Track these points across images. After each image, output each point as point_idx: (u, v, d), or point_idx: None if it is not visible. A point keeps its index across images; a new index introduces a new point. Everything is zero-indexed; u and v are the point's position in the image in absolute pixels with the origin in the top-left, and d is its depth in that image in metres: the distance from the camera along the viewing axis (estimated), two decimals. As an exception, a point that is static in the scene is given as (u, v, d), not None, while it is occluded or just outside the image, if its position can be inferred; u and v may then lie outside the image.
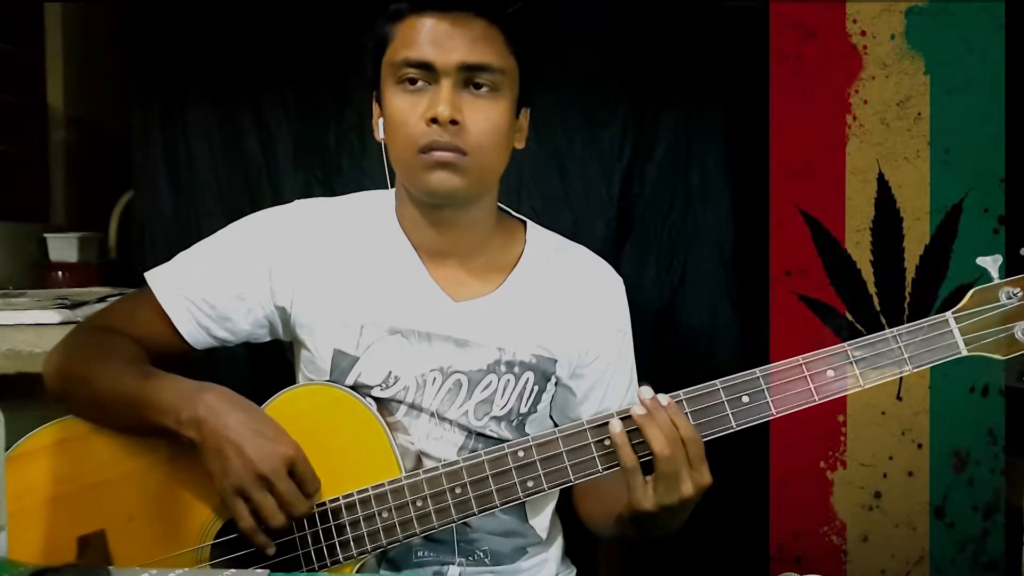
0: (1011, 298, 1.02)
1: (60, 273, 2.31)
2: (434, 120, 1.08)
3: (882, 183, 2.01)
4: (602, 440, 1.05)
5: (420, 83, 1.10)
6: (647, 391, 1.03)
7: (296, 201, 1.25)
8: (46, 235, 2.35)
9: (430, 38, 1.09)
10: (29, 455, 1.10)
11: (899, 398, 2.01)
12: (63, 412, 1.14)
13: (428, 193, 1.13)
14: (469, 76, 1.10)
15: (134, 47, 2.14)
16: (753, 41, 2.03)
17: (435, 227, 1.18)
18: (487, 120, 1.11)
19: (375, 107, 1.20)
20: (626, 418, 1.03)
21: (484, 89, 1.11)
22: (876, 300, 2.02)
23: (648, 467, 1.02)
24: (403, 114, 1.10)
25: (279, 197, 2.09)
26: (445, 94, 1.08)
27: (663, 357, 2.12)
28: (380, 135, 1.17)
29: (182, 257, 1.21)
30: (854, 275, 2.02)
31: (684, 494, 1.01)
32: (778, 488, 2.01)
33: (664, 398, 1.03)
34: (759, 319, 2.05)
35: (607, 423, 1.04)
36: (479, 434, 1.19)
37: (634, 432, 1.02)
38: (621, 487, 1.12)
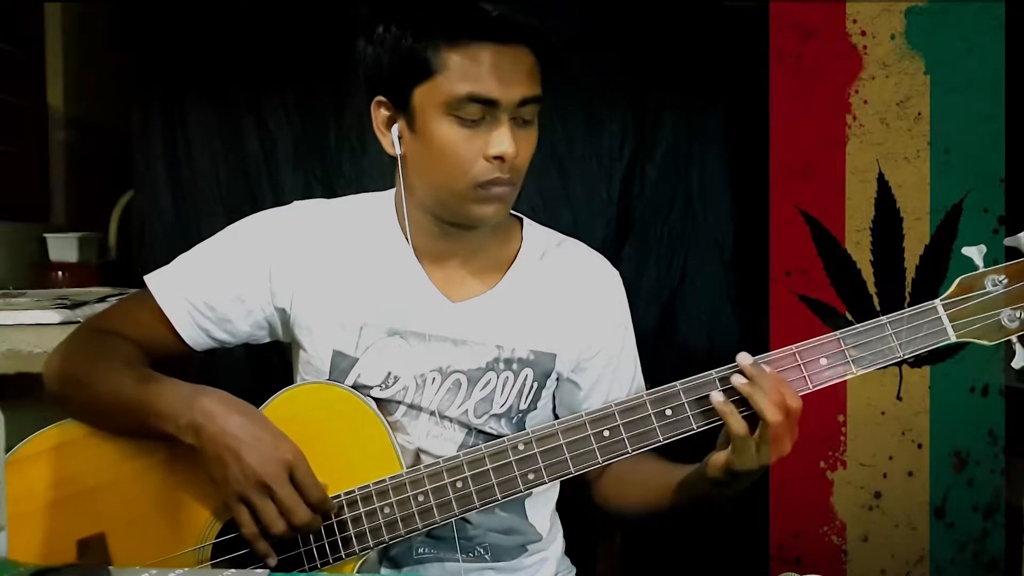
0: (996, 285, 1.05)
1: (60, 273, 2.31)
2: (497, 157, 1.07)
3: (882, 183, 2.01)
4: (601, 432, 1.06)
5: (479, 117, 1.07)
6: (747, 356, 1.03)
7: (295, 203, 1.24)
8: (46, 235, 2.35)
9: (494, 73, 1.05)
10: (29, 459, 1.10)
11: (899, 398, 2.01)
12: (63, 413, 1.14)
13: (474, 221, 1.13)
14: (520, 111, 1.08)
15: (134, 47, 2.15)
16: (753, 41, 2.04)
17: (444, 236, 1.18)
18: (529, 149, 1.11)
19: (379, 113, 1.14)
20: (728, 388, 1.04)
21: (527, 120, 1.10)
22: (876, 300, 2.02)
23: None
24: (460, 148, 1.07)
25: (279, 197, 2.09)
26: (508, 131, 1.07)
27: (663, 357, 2.13)
28: (398, 150, 1.13)
29: (182, 259, 1.21)
30: (854, 275, 2.02)
31: (785, 452, 1.03)
32: (778, 488, 2.01)
33: (767, 367, 1.04)
34: (759, 319, 2.05)
35: (607, 415, 1.06)
36: (479, 431, 1.19)
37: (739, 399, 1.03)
38: (656, 461, 1.18)
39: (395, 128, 1.12)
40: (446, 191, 1.11)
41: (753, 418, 1.02)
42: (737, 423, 1.01)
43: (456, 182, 1.09)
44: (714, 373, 1.06)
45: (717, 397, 1.02)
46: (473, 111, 1.06)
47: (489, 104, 1.06)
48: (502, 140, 1.06)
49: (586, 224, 2.12)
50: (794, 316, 2.02)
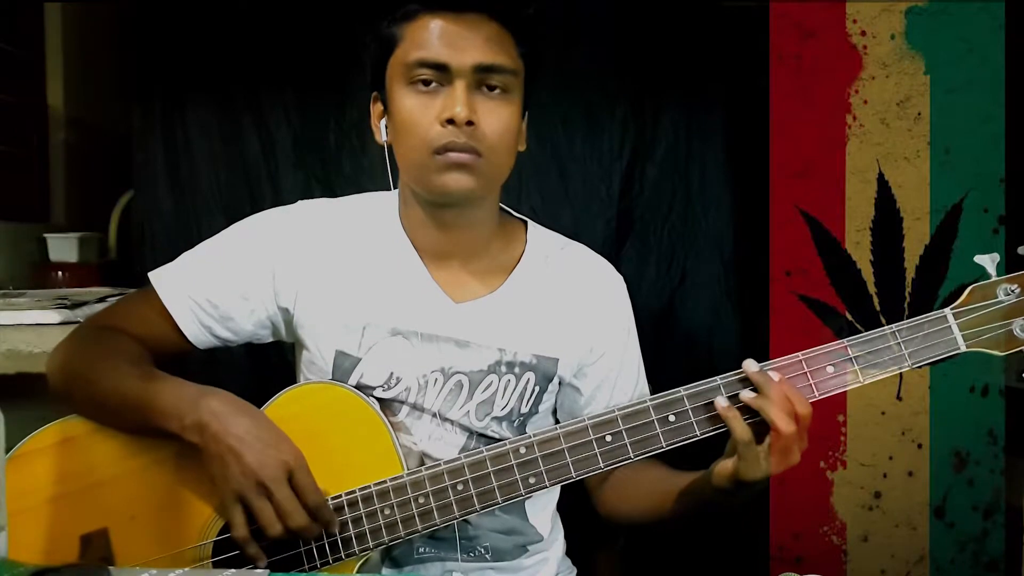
0: (1009, 294, 1.03)
1: (60, 273, 2.31)
2: (450, 121, 1.07)
3: (882, 183, 2.01)
4: (603, 436, 1.06)
5: (433, 84, 1.09)
6: (754, 364, 1.02)
7: (299, 202, 1.25)
8: (46, 235, 2.35)
9: (444, 39, 1.08)
10: (32, 454, 1.10)
11: (899, 398, 2.01)
12: (64, 412, 1.14)
13: (442, 194, 1.13)
14: (482, 78, 1.09)
15: (134, 47, 2.14)
16: (753, 41, 2.04)
17: (439, 229, 1.18)
18: (500, 121, 1.11)
19: (375, 108, 1.19)
20: (732, 395, 1.03)
21: (496, 91, 1.11)
22: (876, 300, 2.02)
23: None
24: (416, 115, 1.09)
25: (279, 197, 2.09)
26: (460, 95, 1.07)
27: (663, 357, 2.12)
28: (383, 138, 1.17)
29: (185, 257, 1.21)
30: (854, 275, 2.02)
31: (794, 462, 1.02)
32: (778, 488, 2.01)
33: (775, 373, 1.03)
34: (759, 319, 2.05)
35: (610, 419, 1.06)
36: (480, 435, 1.19)
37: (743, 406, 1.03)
38: (660, 468, 1.18)
39: (384, 119, 1.17)
40: (413, 164, 1.13)
41: (760, 426, 1.02)
42: (741, 429, 1.01)
43: (417, 151, 1.10)
44: (719, 379, 1.05)
45: (721, 402, 1.02)
46: (424, 74, 1.09)
47: (440, 69, 1.08)
48: (453, 103, 1.07)
49: (586, 224, 2.11)
50: (794, 316, 2.02)
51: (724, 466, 1.05)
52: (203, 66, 2.11)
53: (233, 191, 2.12)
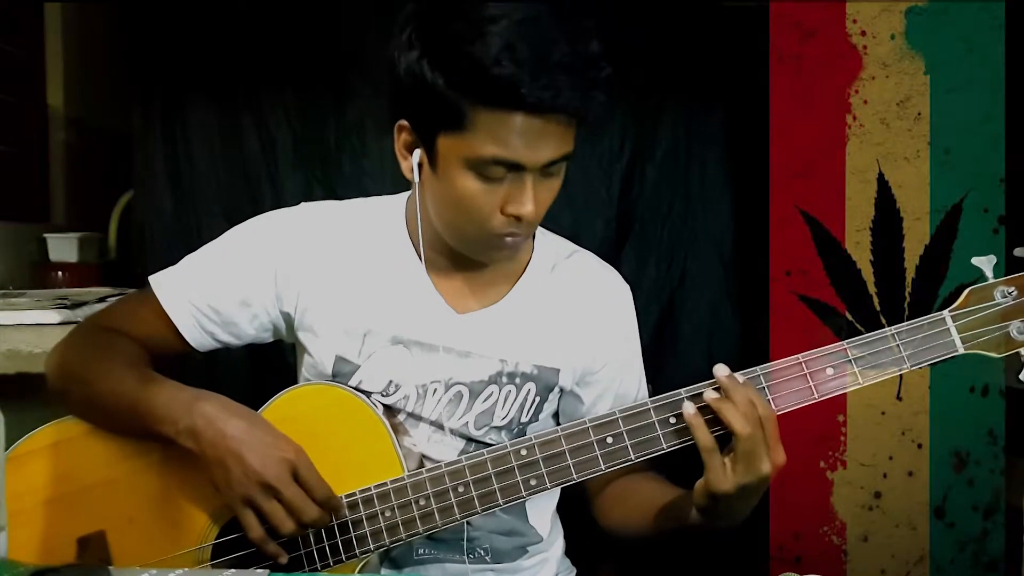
0: (1006, 297, 1.04)
1: (60, 273, 2.31)
2: (517, 217, 1.04)
3: (882, 183, 2.01)
4: (604, 438, 1.05)
5: (503, 176, 1.03)
6: (723, 368, 1.01)
7: (302, 204, 1.23)
8: (46, 235, 2.35)
9: (524, 138, 1.00)
10: (29, 455, 1.10)
11: (899, 398, 2.01)
12: (63, 412, 1.14)
13: (487, 261, 1.16)
14: (547, 168, 1.04)
15: (134, 47, 2.15)
16: (753, 41, 2.03)
17: (455, 252, 1.16)
18: (550, 197, 1.08)
19: (401, 137, 1.10)
20: (697, 395, 1.02)
21: (553, 173, 1.07)
22: (876, 300, 2.02)
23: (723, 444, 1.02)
24: (479, 202, 1.04)
25: (279, 197, 2.09)
26: (530, 192, 1.03)
27: (663, 357, 2.13)
28: (416, 177, 1.09)
29: (187, 262, 1.20)
30: (854, 275, 2.02)
31: (763, 472, 0.99)
32: (778, 488, 2.01)
33: (740, 376, 1.02)
34: (759, 319, 2.05)
35: (610, 421, 1.05)
36: (479, 442, 1.18)
37: (707, 410, 1.01)
38: (658, 483, 1.17)
39: (416, 154, 1.08)
40: (459, 233, 1.11)
41: (729, 437, 1.00)
42: (704, 437, 1.00)
43: (471, 228, 1.08)
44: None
45: (688, 409, 1.01)
46: (497, 172, 1.02)
47: (514, 167, 1.02)
48: (524, 202, 1.03)
49: (586, 224, 2.11)
50: (794, 316, 2.02)
51: (700, 481, 1.03)
52: (203, 66, 2.11)
53: (233, 191, 2.12)
